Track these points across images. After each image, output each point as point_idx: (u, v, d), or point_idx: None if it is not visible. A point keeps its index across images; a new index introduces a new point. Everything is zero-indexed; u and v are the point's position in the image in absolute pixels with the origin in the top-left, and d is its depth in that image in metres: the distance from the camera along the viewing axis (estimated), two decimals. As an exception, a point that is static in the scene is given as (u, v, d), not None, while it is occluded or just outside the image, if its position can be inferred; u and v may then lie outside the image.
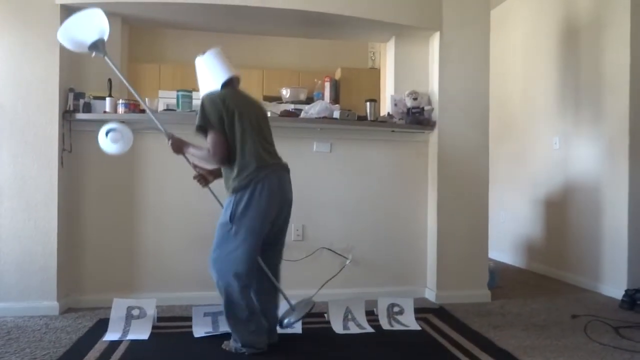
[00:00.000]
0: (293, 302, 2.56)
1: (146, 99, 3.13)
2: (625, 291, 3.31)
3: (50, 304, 2.94)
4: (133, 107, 3.03)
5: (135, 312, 2.67)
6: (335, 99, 5.70)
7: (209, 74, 2.46)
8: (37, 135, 2.95)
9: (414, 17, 3.38)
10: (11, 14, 2.94)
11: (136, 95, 2.64)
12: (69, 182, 3.09)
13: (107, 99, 3.05)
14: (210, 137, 2.31)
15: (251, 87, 6.00)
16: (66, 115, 3.01)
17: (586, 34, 3.93)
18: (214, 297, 2.72)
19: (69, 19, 2.49)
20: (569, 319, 3.01)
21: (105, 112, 3.04)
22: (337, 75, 6.13)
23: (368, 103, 3.39)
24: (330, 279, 3.29)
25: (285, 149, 3.31)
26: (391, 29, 3.49)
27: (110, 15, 3.16)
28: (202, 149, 2.38)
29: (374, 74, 6.05)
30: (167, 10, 3.26)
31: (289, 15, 3.24)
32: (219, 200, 2.58)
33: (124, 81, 2.66)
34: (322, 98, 5.29)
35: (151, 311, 2.69)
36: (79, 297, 3.12)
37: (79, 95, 3.06)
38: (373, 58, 6.53)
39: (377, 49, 6.42)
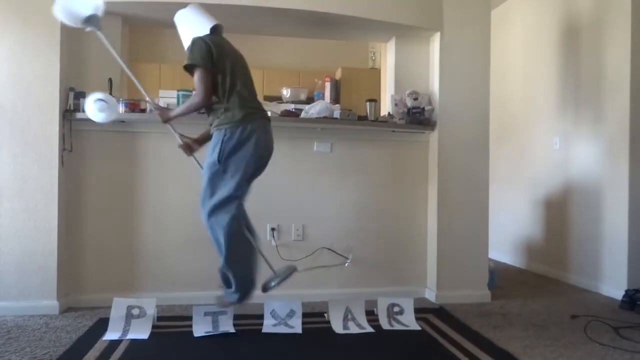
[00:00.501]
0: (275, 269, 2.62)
1: (147, 98, 3.14)
2: (626, 291, 3.31)
3: (50, 303, 2.94)
4: (133, 106, 3.03)
5: (135, 312, 2.67)
6: (335, 99, 5.70)
7: (194, 23, 2.52)
8: (37, 135, 2.95)
9: (415, 17, 3.38)
10: (11, 13, 2.94)
11: (123, 66, 2.68)
12: (69, 182, 3.09)
13: (108, 98, 3.05)
14: (197, 75, 2.37)
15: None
16: (66, 114, 3.01)
17: (586, 34, 3.93)
18: (214, 297, 2.73)
19: None
20: (569, 319, 3.02)
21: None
22: (338, 75, 6.13)
23: (368, 103, 3.39)
24: (323, 267, 3.29)
25: (286, 148, 3.34)
26: (392, 29, 3.49)
27: (110, 14, 3.19)
28: (182, 105, 2.47)
29: (375, 74, 6.05)
30: (167, 10, 3.24)
31: (290, 15, 3.24)
32: (199, 163, 2.62)
33: (116, 57, 2.65)
34: (323, 98, 5.29)
35: (151, 310, 2.69)
36: (79, 297, 3.12)
37: (79, 95, 3.06)
38: (373, 58, 6.54)
39: (377, 48, 6.42)
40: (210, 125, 2.50)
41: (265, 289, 2.58)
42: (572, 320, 2.99)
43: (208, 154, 2.43)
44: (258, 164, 2.49)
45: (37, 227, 2.96)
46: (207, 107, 2.51)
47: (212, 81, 2.40)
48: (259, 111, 2.50)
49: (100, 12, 2.54)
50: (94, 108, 2.58)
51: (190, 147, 2.63)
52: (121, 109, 3.02)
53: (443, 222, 3.40)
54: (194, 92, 2.41)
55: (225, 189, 2.38)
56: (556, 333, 2.75)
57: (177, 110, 2.54)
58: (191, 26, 2.53)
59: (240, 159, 2.39)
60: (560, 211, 4.18)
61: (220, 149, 2.35)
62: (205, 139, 2.67)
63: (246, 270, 2.49)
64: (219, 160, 2.35)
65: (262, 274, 2.62)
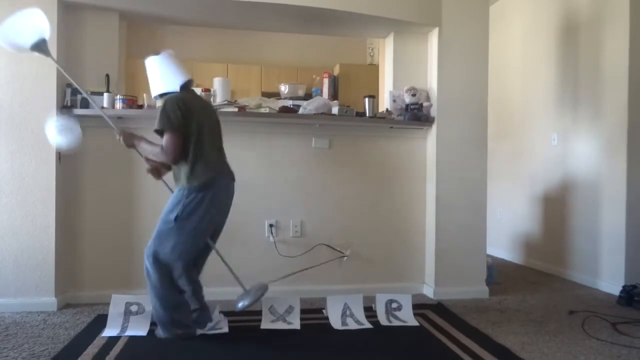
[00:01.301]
0: (247, 287, 2.58)
1: (144, 95, 3.14)
2: (623, 287, 3.32)
3: (48, 300, 2.94)
4: (131, 102, 3.02)
5: (134, 308, 2.67)
6: (333, 95, 5.69)
7: (166, 75, 2.50)
8: (35, 132, 2.94)
9: (413, 13, 3.37)
10: (7, 9, 2.91)
11: (84, 93, 2.69)
12: (66, 178, 3.08)
13: (105, 94, 3.03)
14: (167, 138, 2.37)
15: (249, 83, 6.01)
16: (64, 111, 3.00)
17: (585, 30, 3.93)
18: (213, 293, 2.73)
19: (4, 22, 2.45)
20: (567, 314, 3.02)
21: (102, 107, 3.02)
22: (336, 71, 6.12)
23: (367, 99, 3.39)
24: (310, 268, 3.29)
25: (284, 145, 3.33)
26: (390, 25, 3.48)
27: (107, 10, 3.17)
28: (154, 145, 2.46)
29: (373, 70, 6.04)
30: (165, 6, 3.24)
31: (288, 11, 3.23)
32: (170, 188, 2.61)
33: (68, 77, 2.67)
34: (321, 94, 5.27)
35: (149, 307, 2.68)
36: (77, 293, 3.11)
37: (76, 91, 3.04)
38: (372, 54, 6.52)
39: (375, 45, 6.40)
40: (174, 177, 2.50)
41: (237, 308, 2.53)
42: (570, 315, 3.00)
43: (167, 208, 2.43)
44: (213, 224, 2.51)
45: (34, 223, 2.95)
46: None
47: (182, 144, 2.38)
48: (223, 173, 2.51)
49: (46, 36, 2.52)
50: (54, 132, 2.56)
51: (158, 170, 2.62)
52: (118, 105, 3.01)
53: (441, 218, 3.40)
54: (162, 149, 2.39)
55: (173, 249, 2.39)
56: (554, 329, 2.75)
57: (144, 147, 2.51)
58: (163, 77, 2.49)
59: (196, 222, 2.39)
60: (558, 207, 4.19)
61: (180, 212, 2.37)
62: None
63: (173, 316, 2.47)
64: (175, 220, 2.37)
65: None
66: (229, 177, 2.55)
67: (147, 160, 2.60)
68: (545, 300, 3.36)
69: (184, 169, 2.41)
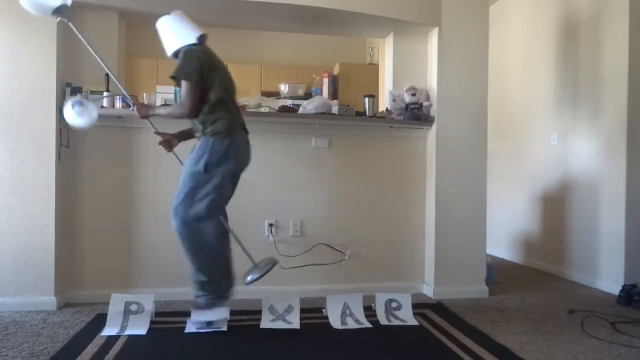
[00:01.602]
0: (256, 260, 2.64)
1: (144, 94, 3.15)
2: (622, 286, 3.32)
3: (47, 299, 2.94)
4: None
5: (133, 308, 2.67)
6: (333, 95, 5.69)
7: (179, 31, 2.53)
8: (34, 131, 2.94)
9: (413, 13, 3.37)
10: (7, 8, 2.92)
11: (101, 62, 2.67)
12: (66, 177, 3.08)
13: (105, 93, 3.04)
14: (186, 89, 2.40)
15: (249, 83, 6.01)
16: (75, 95, 2.99)
17: (585, 30, 3.93)
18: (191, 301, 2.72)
19: None
20: (566, 314, 3.03)
21: (102, 107, 3.02)
22: (336, 70, 6.12)
23: (366, 98, 3.39)
24: (318, 264, 3.30)
25: (284, 144, 3.33)
26: (390, 25, 3.48)
27: (107, 9, 3.17)
28: (169, 105, 2.51)
29: (373, 69, 6.04)
30: (164, 5, 3.23)
31: (288, 10, 3.23)
32: (179, 159, 2.66)
33: (89, 48, 2.65)
34: (321, 93, 5.28)
35: (149, 306, 2.69)
36: (76, 293, 3.11)
37: (76, 90, 3.04)
38: (371, 54, 6.52)
39: (375, 44, 6.41)
40: (195, 131, 2.53)
41: (245, 282, 2.59)
42: (570, 315, 3.00)
43: (192, 161, 2.44)
44: (237, 174, 2.58)
45: (34, 222, 2.95)
46: None
47: (200, 95, 2.42)
48: (241, 124, 2.58)
49: (69, 2, 2.54)
50: (73, 113, 2.56)
51: (170, 142, 2.66)
52: (118, 104, 3.01)
53: (441, 218, 3.40)
54: (179, 102, 2.43)
55: (209, 197, 2.43)
56: (553, 328, 2.76)
57: (158, 111, 2.57)
58: (177, 34, 2.53)
59: (225, 169, 2.45)
60: (558, 207, 4.19)
61: (208, 159, 2.40)
62: (184, 135, 2.71)
63: (224, 273, 2.54)
64: (205, 170, 2.40)
65: (243, 265, 2.64)
66: (245, 128, 2.60)
67: (159, 132, 2.64)
68: (544, 300, 3.36)
69: (208, 117, 2.43)
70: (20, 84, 2.93)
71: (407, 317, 2.84)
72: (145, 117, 2.60)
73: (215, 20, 3.71)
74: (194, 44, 2.51)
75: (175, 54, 2.56)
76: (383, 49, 4.41)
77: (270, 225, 3.31)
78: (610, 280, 3.60)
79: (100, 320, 2.67)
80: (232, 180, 2.56)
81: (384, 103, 3.72)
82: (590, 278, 3.80)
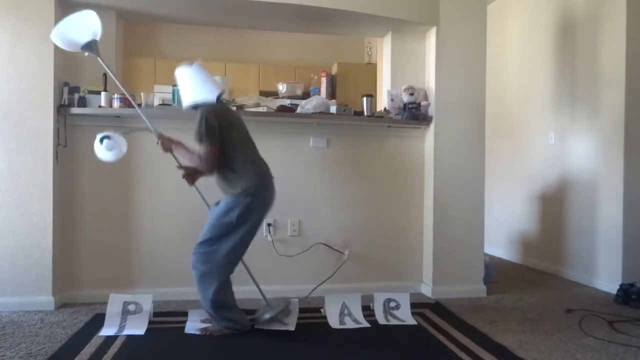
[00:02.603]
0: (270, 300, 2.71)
1: (142, 94, 3.14)
2: (620, 285, 3.33)
3: (45, 299, 2.93)
4: (128, 102, 3.01)
5: (132, 308, 2.67)
6: (331, 94, 5.69)
7: (202, 85, 2.54)
8: (32, 130, 2.93)
9: (411, 12, 3.37)
10: (5, 8, 2.91)
11: (128, 96, 2.75)
12: (64, 177, 3.07)
13: (102, 93, 3.03)
14: (206, 148, 2.43)
15: (247, 82, 6.01)
16: (61, 109, 3.00)
17: (582, 29, 3.94)
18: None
19: (63, 20, 2.57)
20: (564, 313, 3.03)
21: (100, 106, 3.02)
22: (334, 70, 6.12)
23: (365, 98, 3.39)
24: (327, 279, 3.29)
25: (282, 144, 3.33)
26: (388, 24, 3.48)
27: (105, 9, 3.16)
28: (192, 153, 2.53)
29: (371, 69, 6.04)
30: (162, 4, 3.23)
31: (286, 10, 3.23)
32: (203, 198, 2.69)
33: (116, 81, 2.73)
34: (319, 93, 5.28)
35: (147, 306, 2.68)
36: (74, 292, 3.11)
37: (73, 90, 3.04)
38: (369, 53, 6.52)
39: (373, 44, 6.41)
40: (222, 188, 2.56)
41: (258, 320, 2.64)
42: (567, 314, 3.01)
43: (222, 212, 2.48)
44: (264, 216, 2.62)
45: (31, 222, 2.94)
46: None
47: (219, 155, 2.45)
48: (268, 173, 2.61)
49: (98, 37, 2.60)
50: (102, 147, 2.60)
51: (192, 176, 2.65)
52: (116, 104, 3.01)
53: (439, 217, 3.40)
54: (200, 158, 2.46)
55: (230, 250, 2.48)
56: (551, 327, 2.76)
57: (181, 151, 2.60)
58: (197, 88, 2.54)
59: (257, 219, 2.53)
60: (556, 206, 4.20)
61: (240, 213, 2.45)
62: None
63: (232, 316, 2.55)
64: (237, 222, 2.45)
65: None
66: (270, 174, 2.64)
67: (181, 166, 2.65)
68: (542, 299, 3.37)
69: (236, 176, 2.48)
70: (18, 84, 2.92)
71: (405, 316, 2.84)
72: (168, 151, 2.62)
73: (214, 20, 3.72)
74: (212, 104, 2.52)
75: (192, 107, 2.57)
76: (381, 49, 4.42)
77: (269, 225, 3.30)
78: (607, 279, 3.60)
79: (98, 320, 2.67)
80: (262, 220, 2.60)
81: (382, 102, 3.72)
82: (588, 277, 3.81)
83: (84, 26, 2.56)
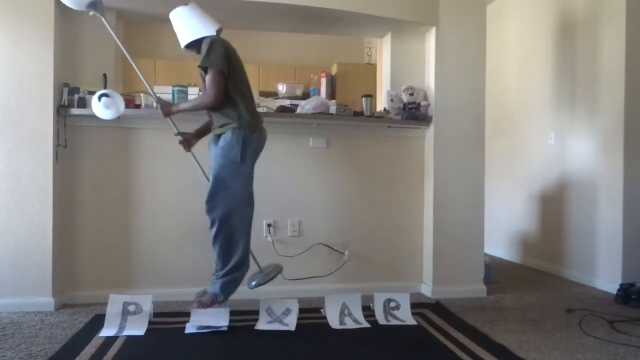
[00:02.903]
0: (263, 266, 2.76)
1: (142, 94, 3.14)
2: (620, 285, 3.33)
3: (45, 300, 2.93)
4: (128, 102, 3.01)
5: (132, 308, 2.66)
6: (331, 95, 5.70)
7: (199, 22, 2.56)
8: (32, 131, 2.93)
9: (411, 12, 3.37)
10: (4, 8, 2.91)
11: (132, 62, 2.75)
12: (64, 178, 3.07)
13: (102, 93, 3.03)
14: (213, 77, 2.43)
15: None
16: (61, 110, 2.99)
17: (582, 29, 3.94)
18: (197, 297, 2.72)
19: None
20: (564, 313, 3.03)
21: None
22: (334, 70, 6.12)
23: (364, 98, 3.39)
24: (329, 274, 3.29)
25: (282, 144, 3.33)
26: (387, 24, 3.48)
27: (105, 9, 3.15)
28: (191, 100, 2.57)
29: (370, 69, 6.05)
30: (162, 5, 3.23)
31: (285, 10, 3.23)
32: (201, 167, 2.71)
33: (121, 46, 2.71)
34: (319, 93, 5.28)
35: (147, 307, 2.68)
36: (74, 293, 3.11)
37: (73, 90, 3.03)
38: (369, 53, 6.53)
39: (373, 44, 6.41)
40: (216, 124, 2.55)
41: (249, 286, 2.67)
42: (567, 314, 3.01)
43: (223, 153, 2.49)
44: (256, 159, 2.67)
45: (31, 223, 2.94)
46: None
47: (225, 84, 2.46)
48: (259, 114, 2.69)
49: None
50: (100, 105, 2.59)
51: (189, 142, 2.70)
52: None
53: (439, 217, 3.41)
54: (205, 91, 2.46)
55: (244, 192, 2.54)
56: (551, 327, 2.76)
57: (182, 106, 2.59)
58: (197, 24, 2.55)
59: (254, 156, 2.58)
60: (556, 206, 4.20)
61: (242, 149, 2.47)
62: (200, 133, 2.75)
63: (236, 273, 2.61)
64: (242, 160, 2.48)
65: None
66: (261, 118, 2.69)
67: (179, 132, 2.68)
68: (542, 299, 3.37)
69: (233, 110, 2.49)
70: (18, 84, 2.92)
71: (405, 316, 2.84)
72: (168, 114, 2.61)
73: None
74: (215, 36, 2.54)
75: (192, 45, 2.58)
76: (381, 49, 4.42)
77: (269, 225, 3.31)
78: (607, 279, 3.61)
79: (98, 321, 2.67)
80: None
81: (382, 103, 3.72)
82: (588, 277, 3.81)
83: None
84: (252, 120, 2.54)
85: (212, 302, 2.59)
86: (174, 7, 3.26)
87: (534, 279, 4.03)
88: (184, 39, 2.58)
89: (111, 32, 2.65)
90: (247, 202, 2.57)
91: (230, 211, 2.52)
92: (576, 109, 3.98)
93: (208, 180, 2.66)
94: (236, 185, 2.52)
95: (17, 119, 2.92)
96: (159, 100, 2.62)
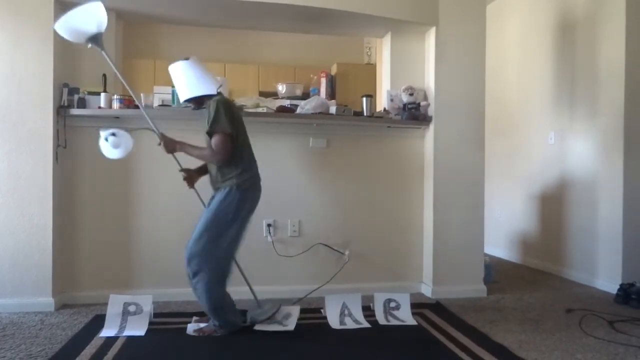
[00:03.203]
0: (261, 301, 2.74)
1: (141, 95, 3.13)
2: (620, 285, 3.33)
3: (45, 300, 2.93)
4: (128, 102, 3.01)
5: (132, 308, 2.67)
6: (331, 95, 5.69)
7: (200, 79, 2.55)
8: (32, 131, 2.93)
9: (410, 12, 3.37)
10: (4, 8, 2.92)
11: (131, 92, 2.72)
12: (63, 178, 3.07)
13: (102, 94, 3.03)
14: (220, 139, 2.44)
15: (247, 83, 6.01)
16: (60, 110, 3.00)
17: (582, 29, 3.94)
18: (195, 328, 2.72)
19: (70, 12, 2.49)
20: (564, 313, 3.03)
21: (99, 107, 3.02)
22: (333, 70, 6.12)
23: (364, 98, 3.39)
24: (327, 282, 3.29)
25: (281, 144, 3.33)
26: (387, 24, 3.48)
27: (103, 42, 3.15)
28: (201, 148, 2.54)
29: (370, 69, 6.04)
30: (162, 5, 3.23)
31: (285, 10, 3.23)
32: (202, 200, 2.68)
33: (119, 76, 2.70)
34: (318, 93, 5.28)
35: (148, 307, 2.68)
36: (74, 294, 3.11)
37: (73, 91, 3.04)
38: (369, 53, 6.53)
39: (372, 44, 6.41)
40: (218, 178, 2.54)
41: (248, 319, 2.65)
42: (567, 314, 3.01)
43: (216, 209, 2.48)
44: (252, 213, 2.65)
45: (31, 223, 2.94)
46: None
47: (232, 145, 2.47)
48: (258, 173, 2.65)
49: (103, 30, 2.56)
50: (108, 145, 2.55)
51: (192, 178, 2.70)
52: (115, 105, 3.01)
53: (439, 217, 3.41)
54: (212, 150, 2.46)
55: (230, 246, 2.51)
56: (551, 327, 2.76)
57: (187, 149, 2.57)
58: (198, 81, 2.54)
59: (247, 215, 2.57)
60: (556, 206, 4.20)
61: (236, 209, 2.48)
62: (203, 170, 2.72)
63: (229, 315, 2.56)
64: (234, 218, 2.48)
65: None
66: (259, 177, 2.68)
67: (182, 169, 2.68)
68: (542, 299, 3.37)
69: (232, 169, 2.49)
70: (18, 85, 2.92)
71: (405, 316, 2.84)
72: (172, 152, 2.60)
73: (213, 20, 3.72)
74: (217, 94, 2.55)
75: (193, 101, 2.58)
76: (380, 49, 4.42)
77: (269, 225, 3.31)
78: (607, 279, 3.61)
79: (98, 322, 2.67)
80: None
81: (382, 103, 3.72)
82: (588, 277, 3.81)
83: (90, 18, 2.52)
84: (250, 179, 2.55)
85: (213, 331, 2.55)
86: (174, 7, 3.29)
87: (534, 278, 4.03)
88: (184, 94, 2.56)
89: (110, 63, 2.64)
90: (229, 257, 2.54)
91: (213, 265, 2.46)
92: (576, 108, 3.98)
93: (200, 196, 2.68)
94: (222, 239, 2.47)
95: (17, 119, 2.92)
96: (163, 137, 2.58)
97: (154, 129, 2.62)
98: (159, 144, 2.59)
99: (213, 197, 2.57)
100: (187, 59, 2.58)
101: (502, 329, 2.71)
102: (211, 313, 2.53)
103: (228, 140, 2.45)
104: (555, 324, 2.83)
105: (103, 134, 2.55)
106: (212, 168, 2.58)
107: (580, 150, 3.92)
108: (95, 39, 2.55)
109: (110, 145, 2.56)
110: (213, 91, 2.54)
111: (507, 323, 2.83)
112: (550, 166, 4.28)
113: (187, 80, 2.56)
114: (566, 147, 4.09)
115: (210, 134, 2.45)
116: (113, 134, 2.55)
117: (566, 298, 3.40)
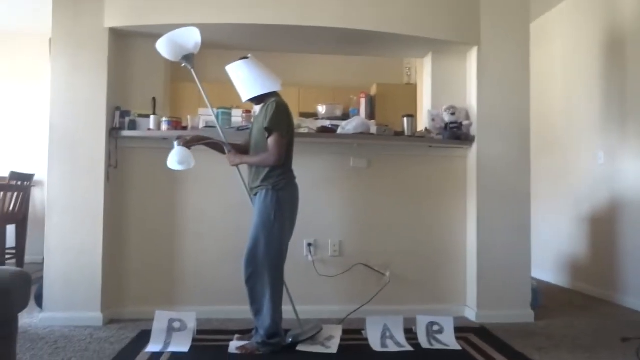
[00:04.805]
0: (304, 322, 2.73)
1: (188, 117, 3.25)
2: (680, 313, 3.13)
3: (94, 315, 3.03)
4: (175, 124, 3.13)
5: (176, 325, 2.72)
6: (370, 115, 5.70)
7: (264, 77, 2.65)
8: (86, 153, 3.08)
9: (452, 32, 3.37)
10: (63, 37, 3.11)
11: (210, 108, 2.93)
12: (114, 197, 3.20)
13: (151, 116, 3.16)
14: (278, 140, 2.52)
15: (288, 104, 6.10)
16: (113, 132, 3.14)
17: (631, 44, 3.81)
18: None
19: (171, 33, 2.72)
20: (619, 342, 2.87)
21: (149, 129, 3.15)
22: (373, 91, 6.14)
23: (405, 118, 3.38)
24: (367, 302, 3.25)
25: (323, 164, 3.36)
26: (428, 45, 3.48)
27: (153, 36, 3.30)
28: (256, 156, 2.63)
29: (410, 89, 6.03)
30: (208, 31, 3.35)
31: (327, 33, 3.29)
32: (245, 185, 2.74)
33: (203, 93, 2.85)
34: (358, 114, 5.30)
35: (191, 324, 2.73)
36: (121, 309, 3.20)
37: (124, 114, 3.18)
38: (409, 74, 6.52)
39: (412, 64, 6.41)
40: (256, 179, 2.62)
41: (287, 340, 2.63)
42: (623, 343, 2.85)
43: (260, 212, 2.56)
44: (295, 216, 2.72)
45: (83, 241, 3.06)
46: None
47: (287, 146, 2.59)
48: (293, 172, 2.72)
49: (197, 51, 2.76)
50: (175, 155, 2.67)
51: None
52: (164, 127, 3.12)
53: (483, 239, 3.32)
54: (269, 152, 2.54)
55: (280, 242, 2.57)
56: (606, 356, 2.62)
57: (247, 159, 2.68)
58: (262, 79, 2.64)
59: (291, 215, 2.65)
60: (607, 228, 4.02)
61: (277, 207, 2.54)
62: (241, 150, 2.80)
63: (273, 325, 2.55)
64: (275, 219, 2.54)
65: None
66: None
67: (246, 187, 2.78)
68: (594, 326, 3.21)
69: (270, 172, 2.57)
70: (73, 109, 3.09)
71: (449, 341, 2.77)
72: (235, 164, 2.71)
73: (257, 45, 3.81)
74: (278, 95, 2.66)
75: (257, 99, 2.67)
76: (421, 69, 4.41)
77: (309, 245, 3.32)
78: (666, 306, 3.40)
79: (144, 337, 2.73)
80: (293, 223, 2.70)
81: (422, 123, 3.70)
82: (644, 304, 3.60)
83: (189, 39, 2.73)
84: (284, 180, 2.60)
85: (256, 350, 2.57)
86: (220, 33, 3.41)
87: (585, 304, 3.85)
88: (248, 93, 2.64)
89: (198, 83, 2.83)
90: (281, 258, 2.59)
91: (266, 266, 2.53)
92: (627, 127, 3.83)
93: (250, 196, 2.73)
94: (272, 243, 2.54)
95: (72, 141, 3.08)
96: (230, 150, 2.72)
97: (224, 141, 2.74)
98: (227, 155, 2.71)
99: (254, 204, 2.65)
100: (245, 57, 2.67)
101: (552, 357, 2.60)
102: (264, 331, 2.53)
103: (284, 141, 2.53)
104: (610, 352, 2.68)
105: (176, 142, 2.69)
106: (250, 170, 2.66)
107: (633, 170, 3.75)
108: (189, 58, 2.75)
109: (177, 155, 2.66)
110: (277, 88, 2.65)
111: (558, 351, 2.71)
112: (600, 186, 4.11)
113: (248, 79, 2.64)
114: (617, 167, 3.93)
115: (268, 130, 2.52)
116: (182, 152, 2.67)
117: (620, 325, 3.22)
